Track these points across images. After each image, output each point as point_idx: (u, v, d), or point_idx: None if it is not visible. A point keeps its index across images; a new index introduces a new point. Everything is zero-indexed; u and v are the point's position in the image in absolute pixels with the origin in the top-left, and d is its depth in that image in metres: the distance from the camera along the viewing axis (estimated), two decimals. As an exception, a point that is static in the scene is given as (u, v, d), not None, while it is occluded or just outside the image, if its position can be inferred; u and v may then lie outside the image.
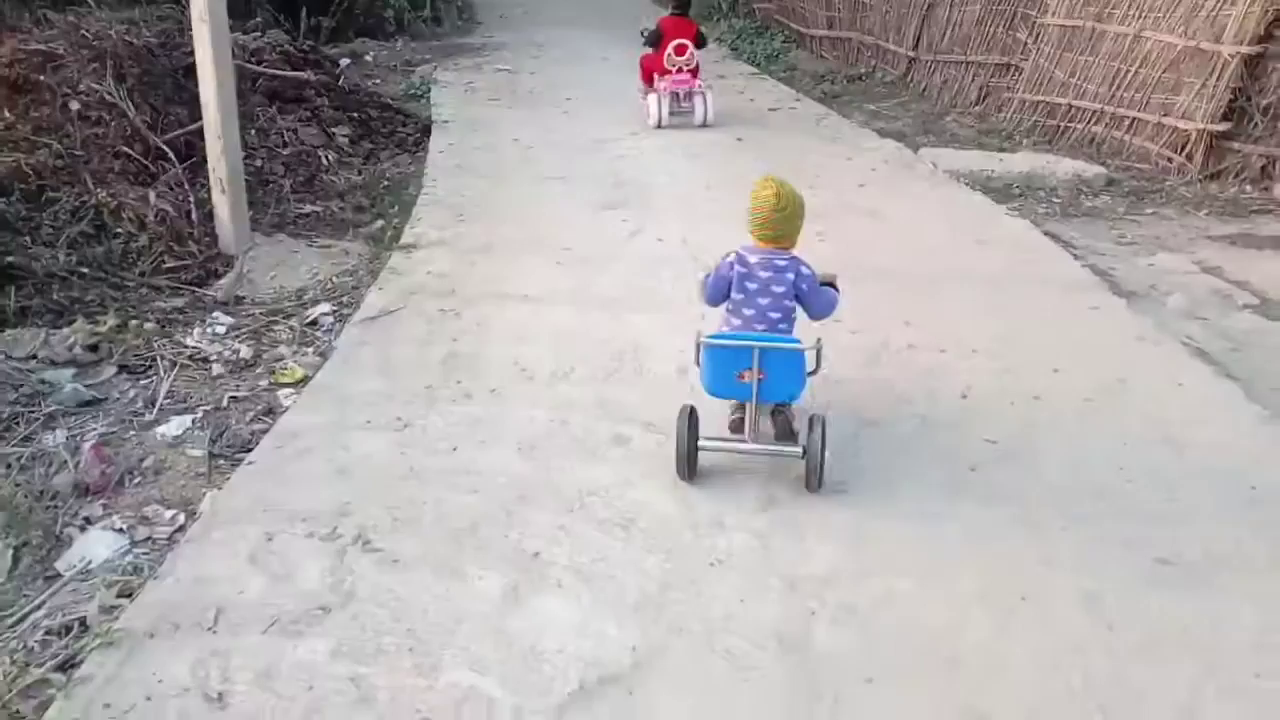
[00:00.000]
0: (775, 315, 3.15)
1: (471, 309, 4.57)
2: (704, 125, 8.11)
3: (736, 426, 3.29)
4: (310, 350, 4.50)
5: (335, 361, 4.10)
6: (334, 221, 6.39)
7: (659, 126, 8.03)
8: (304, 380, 4.13)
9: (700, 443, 3.12)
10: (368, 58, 11.56)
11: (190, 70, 6.99)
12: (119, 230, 5.63)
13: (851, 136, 8.07)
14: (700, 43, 8.27)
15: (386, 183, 6.91)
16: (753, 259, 3.15)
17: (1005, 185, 6.77)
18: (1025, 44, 8.45)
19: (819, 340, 3.08)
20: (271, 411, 3.91)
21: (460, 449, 3.35)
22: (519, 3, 16.53)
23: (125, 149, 6.18)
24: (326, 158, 7.16)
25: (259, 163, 6.87)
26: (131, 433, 3.74)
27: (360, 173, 7.11)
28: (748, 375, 3.03)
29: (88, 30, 6.82)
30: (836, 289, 3.30)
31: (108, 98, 6.37)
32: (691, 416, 3.12)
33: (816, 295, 3.20)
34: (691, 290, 3.69)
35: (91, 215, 5.68)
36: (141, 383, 4.14)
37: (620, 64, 11.25)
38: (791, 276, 3.13)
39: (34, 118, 6.22)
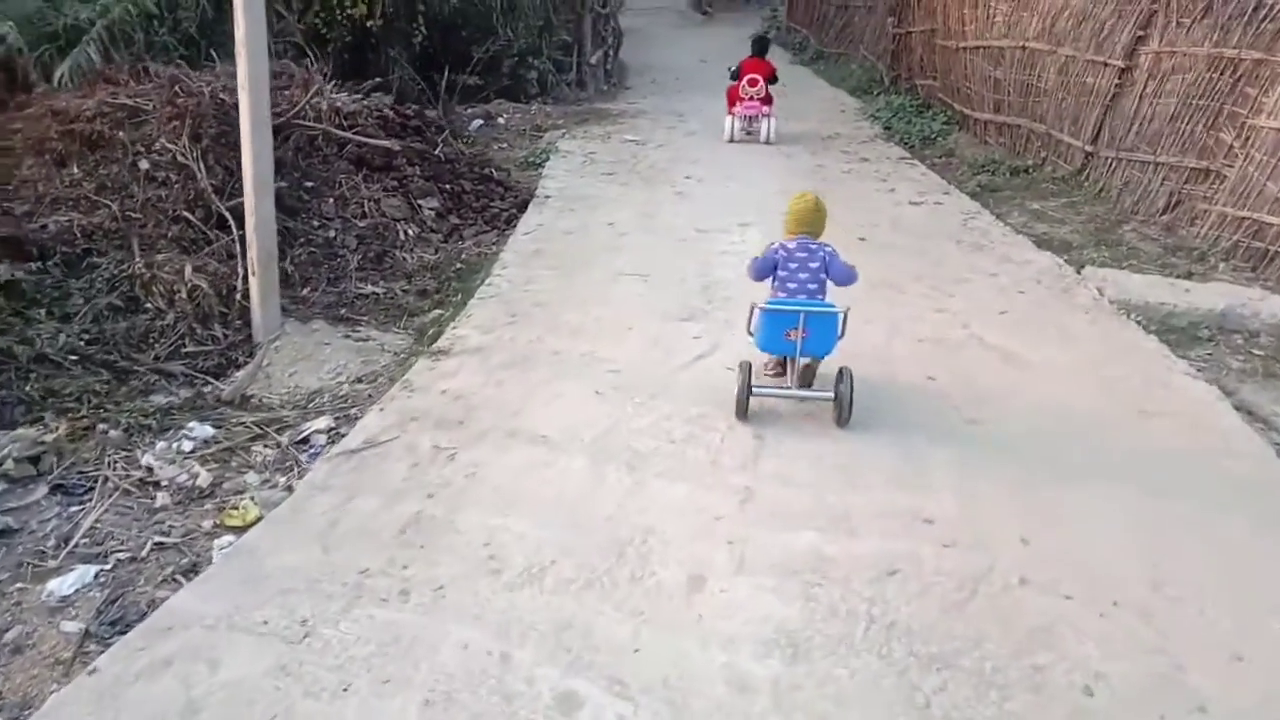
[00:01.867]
0: (813, 286, 4.02)
1: (471, 449, 3.71)
2: (766, 142, 9.92)
3: (777, 376, 4.25)
4: (283, 480, 3.75)
5: (280, 513, 3.31)
6: (391, 306, 5.73)
7: (730, 141, 10.02)
8: (256, 522, 3.38)
9: (754, 390, 3.97)
10: (500, 120, 11.15)
11: (276, 131, 6.59)
12: (149, 305, 5.16)
13: (1002, 243, 6.81)
14: (772, 79, 10.16)
15: (460, 265, 6.22)
16: (791, 245, 4.08)
17: (1190, 325, 5.36)
18: (1230, 148, 6.96)
19: (847, 308, 3.93)
20: (195, 568, 3.15)
21: (352, 689, 2.44)
22: (677, 69, 15.98)
23: (186, 213, 5.74)
24: (405, 232, 6.57)
25: (332, 233, 6.34)
26: (17, 586, 3.06)
27: (438, 251, 6.47)
28: (794, 334, 3.88)
29: (184, 85, 6.52)
30: (853, 269, 4.12)
31: (180, 158, 5.99)
32: (748, 370, 3.99)
33: (839, 268, 4.06)
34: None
35: (126, 286, 5.25)
36: (71, 509, 3.49)
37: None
38: (822, 255, 4.06)
39: (101, 175, 5.91)
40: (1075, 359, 4.74)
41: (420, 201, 6.84)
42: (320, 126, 6.58)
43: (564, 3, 12.43)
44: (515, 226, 6.91)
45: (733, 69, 10.30)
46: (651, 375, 4.40)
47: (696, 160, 9.27)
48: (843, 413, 3.91)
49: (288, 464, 3.90)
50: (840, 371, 3.94)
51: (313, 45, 10.40)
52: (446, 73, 11.22)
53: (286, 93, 6.85)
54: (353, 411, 4.27)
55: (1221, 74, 7.21)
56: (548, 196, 7.67)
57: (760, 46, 10.69)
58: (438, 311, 5.55)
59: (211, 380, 4.80)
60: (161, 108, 6.19)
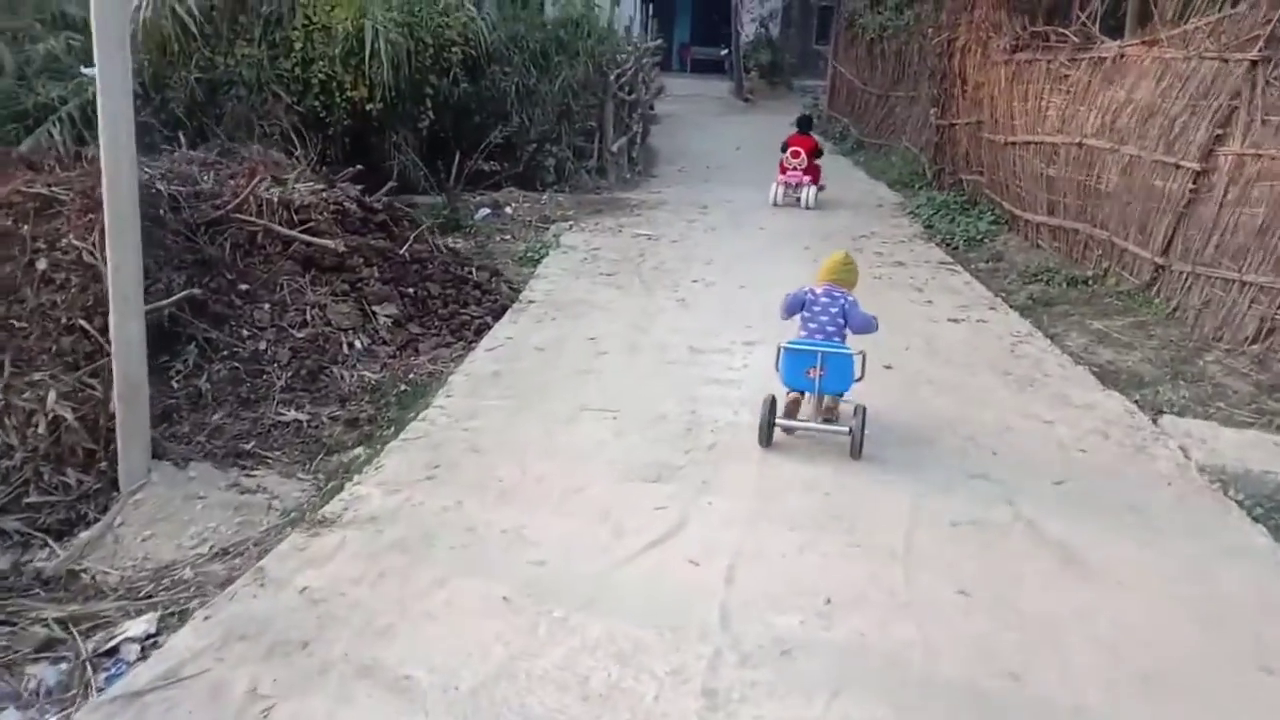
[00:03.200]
0: (831, 329, 4.42)
1: (301, 697, 2.60)
2: (807, 208, 10.87)
3: (791, 410, 4.43)
4: (50, 723, 2.69)
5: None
6: (310, 440, 4.73)
7: (774, 205, 10.98)
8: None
9: (777, 421, 4.34)
10: (508, 209, 10.31)
11: (211, 226, 5.73)
12: (-4, 441, 4.21)
13: (1059, 377, 5.61)
14: (816, 154, 11.15)
15: (405, 387, 5.20)
16: (819, 290, 4.49)
17: (1308, 506, 4.11)
18: (1337, 269, 5.76)
19: (863, 352, 4.33)
20: None
21: None
22: (709, 157, 15.18)
23: (83, 322, 4.83)
24: (351, 344, 5.60)
25: (262, 345, 5.39)
26: None
27: (384, 368, 5.47)
28: (813, 372, 4.29)
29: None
30: (873, 318, 4.51)
31: (87, 256, 5.11)
32: (773, 403, 4.33)
33: (857, 317, 4.43)
34: None
35: (-25, 416, 4.32)
36: None
37: (777, 233, 9.38)
38: (842, 302, 4.44)
39: (-11, 276, 5.09)
40: (1160, 564, 3.51)
41: (375, 308, 5.88)
42: (260, 222, 5.70)
43: (585, 89, 11.67)
44: (490, 335, 5.91)
45: (783, 143, 11.35)
46: (587, 570, 3.28)
47: (711, 260, 8.26)
48: (855, 447, 4.22)
49: (71, 694, 2.83)
50: (855, 409, 4.30)
51: (309, 130, 9.75)
52: (457, 159, 10.50)
53: (232, 182, 6.00)
54: (192, 605, 3.21)
55: (1322, 182, 6.04)
56: (531, 301, 6.68)
57: (804, 124, 11.70)
58: (360, 450, 4.52)
59: (51, 542, 3.81)
60: (76, 199, 5.35)
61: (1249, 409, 5.41)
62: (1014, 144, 9.45)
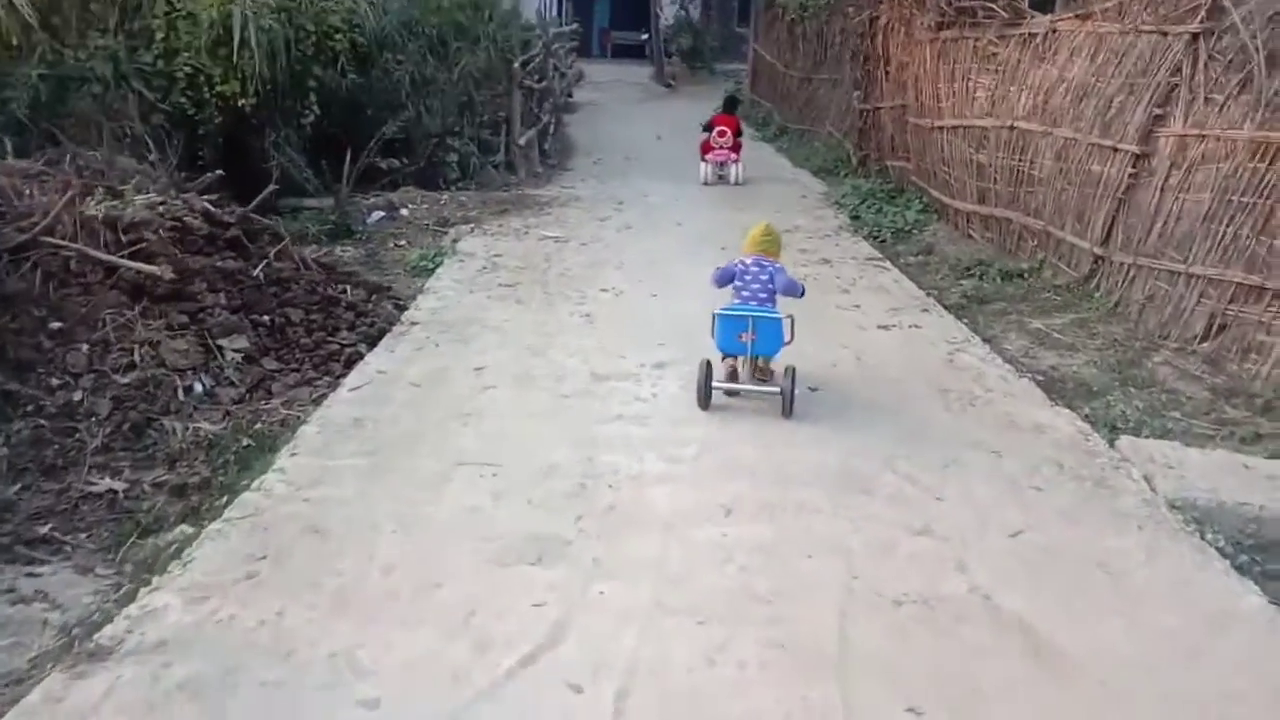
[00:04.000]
0: (763, 295, 4.63)
1: None
2: (736, 184, 11.11)
3: (730, 374, 4.67)
4: None
5: None
6: (124, 516, 3.86)
7: (705, 184, 11.10)
8: None
9: (713, 384, 4.51)
10: (404, 211, 9.40)
11: (17, 252, 4.77)
12: None
13: (1002, 393, 5.00)
14: (739, 132, 11.40)
15: (249, 441, 4.34)
16: (748, 261, 4.72)
17: (1293, 546, 3.54)
18: (1294, 260, 5.25)
19: (791, 317, 4.58)
20: None
21: None
22: (628, 146, 14.40)
23: None
24: (189, 388, 4.72)
25: (77, 395, 4.49)
26: None
27: (226, 416, 4.59)
28: (745, 336, 4.51)
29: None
30: (801, 283, 4.81)
31: None
32: (708, 367, 4.51)
33: (784, 281, 4.65)
34: None
35: None
36: None
37: (694, 232, 8.66)
38: (771, 270, 4.67)
39: None
40: (1144, 649, 2.87)
41: (221, 342, 4.99)
42: (73, 246, 4.76)
43: (488, 78, 10.78)
44: (359, 368, 5.07)
45: (704, 123, 11.57)
46: (432, 712, 2.51)
47: (622, 264, 7.51)
48: (786, 405, 4.46)
49: None
50: (785, 369, 4.52)
51: (177, 130, 8.71)
52: (349, 157, 9.53)
53: (46, 199, 5.05)
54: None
55: (1271, 163, 5.52)
56: (414, 323, 5.84)
57: (730, 104, 12.21)
58: (182, 529, 3.67)
59: None
60: None
61: (1207, 418, 4.88)
62: (941, 128, 8.87)
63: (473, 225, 8.88)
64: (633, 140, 15.27)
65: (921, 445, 4.25)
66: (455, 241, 8.31)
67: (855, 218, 9.67)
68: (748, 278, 4.67)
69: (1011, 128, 7.74)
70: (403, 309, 6.30)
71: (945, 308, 6.69)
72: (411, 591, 3.04)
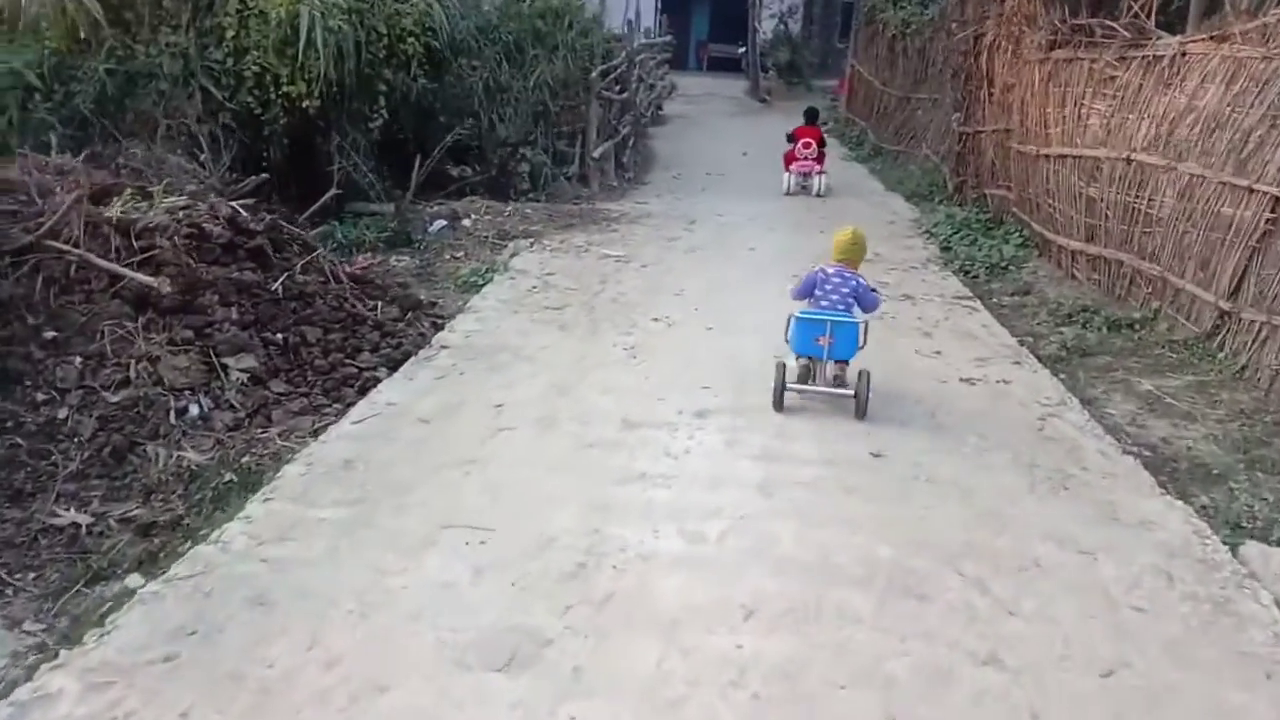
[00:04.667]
0: (841, 308, 4.67)
1: None
2: (819, 195, 11.07)
3: (804, 376, 4.68)
4: None
5: None
6: (80, 557, 3.47)
7: (787, 193, 11.16)
8: None
9: (789, 386, 4.61)
10: (466, 221, 9.02)
11: (20, 254, 4.47)
12: None
13: (1100, 473, 4.22)
14: (823, 143, 11.39)
15: (232, 477, 3.91)
16: (830, 270, 4.73)
17: None
18: None
19: (866, 321, 4.65)
20: None
21: None
22: (712, 162, 13.85)
23: None
24: (183, 410, 4.33)
25: (62, 413, 4.15)
26: None
27: (216, 445, 4.19)
28: (823, 340, 4.58)
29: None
30: (879, 294, 4.91)
31: None
32: (784, 369, 4.61)
33: (867, 297, 4.74)
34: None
35: None
36: None
37: (766, 257, 8.02)
38: (853, 283, 4.70)
39: None
40: None
41: (228, 360, 4.61)
42: (75, 251, 4.44)
43: (565, 87, 10.35)
44: (369, 402, 4.62)
45: (789, 134, 11.65)
46: None
47: (681, 291, 6.92)
48: (860, 408, 4.55)
49: None
50: (860, 373, 4.59)
51: (245, 130, 8.52)
52: (417, 164, 9.24)
53: (56, 198, 4.76)
54: None
55: None
56: (444, 347, 5.38)
57: (811, 115, 11.96)
58: (132, 579, 3.25)
59: None
60: None
61: (1359, 522, 4.00)
62: (1047, 156, 8.02)
63: (533, 240, 8.43)
64: (718, 156, 14.68)
65: (998, 538, 3.53)
66: (512, 256, 7.87)
67: (946, 249, 8.87)
68: (828, 288, 4.72)
69: (1128, 160, 6.87)
70: (440, 328, 5.86)
71: (1040, 359, 5.89)
72: (349, 696, 2.51)
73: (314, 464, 3.82)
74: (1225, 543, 3.65)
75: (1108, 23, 7.22)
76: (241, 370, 4.59)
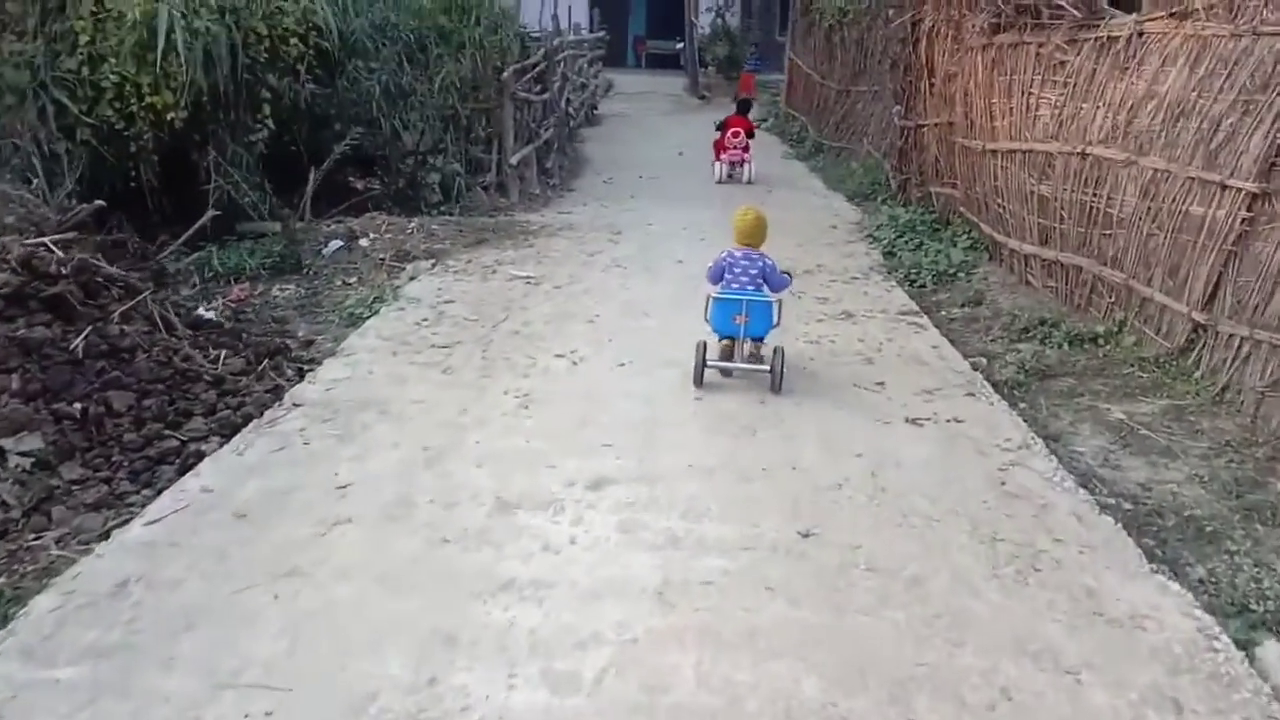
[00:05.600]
0: (751, 287, 4.87)
1: None
2: (749, 182, 11.37)
3: (726, 354, 4.87)
4: None
5: None
6: None
7: (719, 182, 11.41)
8: None
9: (709, 363, 4.78)
10: (364, 241, 8.07)
11: None
12: None
13: (1077, 544, 3.44)
14: (751, 133, 11.63)
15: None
16: (738, 253, 4.91)
17: None
18: None
19: (779, 300, 4.87)
20: None
21: None
22: (645, 164, 13.05)
23: None
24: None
25: None
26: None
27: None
28: (739, 318, 4.77)
29: None
30: (791, 276, 5.03)
31: None
32: (704, 346, 4.78)
33: (776, 277, 4.91)
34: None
35: None
36: None
37: (694, 273, 7.16)
38: (760, 264, 4.89)
39: None
40: None
41: (4, 443, 3.66)
42: None
43: (474, 89, 9.43)
44: (181, 484, 3.70)
45: (718, 123, 11.85)
46: None
47: (596, 317, 6.08)
48: (776, 382, 4.74)
49: None
50: (775, 349, 4.82)
51: (109, 147, 7.51)
52: (312, 178, 8.30)
53: None
54: None
55: None
56: (296, 405, 4.47)
57: (743, 106, 12.40)
58: None
59: None
60: None
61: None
62: (994, 151, 7.29)
63: (435, 260, 7.53)
64: (652, 157, 13.88)
65: (957, 653, 2.73)
66: (408, 281, 6.96)
67: (890, 254, 8.13)
68: (737, 270, 4.89)
69: (1083, 154, 6.15)
70: (303, 377, 4.94)
71: (997, 386, 5.14)
72: None
73: (75, 591, 2.91)
74: (1237, 642, 2.88)
75: (1056, 1, 6.49)
76: (22, 454, 3.65)
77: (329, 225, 8.36)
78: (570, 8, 17.52)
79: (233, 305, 6.64)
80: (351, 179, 9.88)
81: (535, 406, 4.55)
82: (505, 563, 3.14)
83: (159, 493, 3.67)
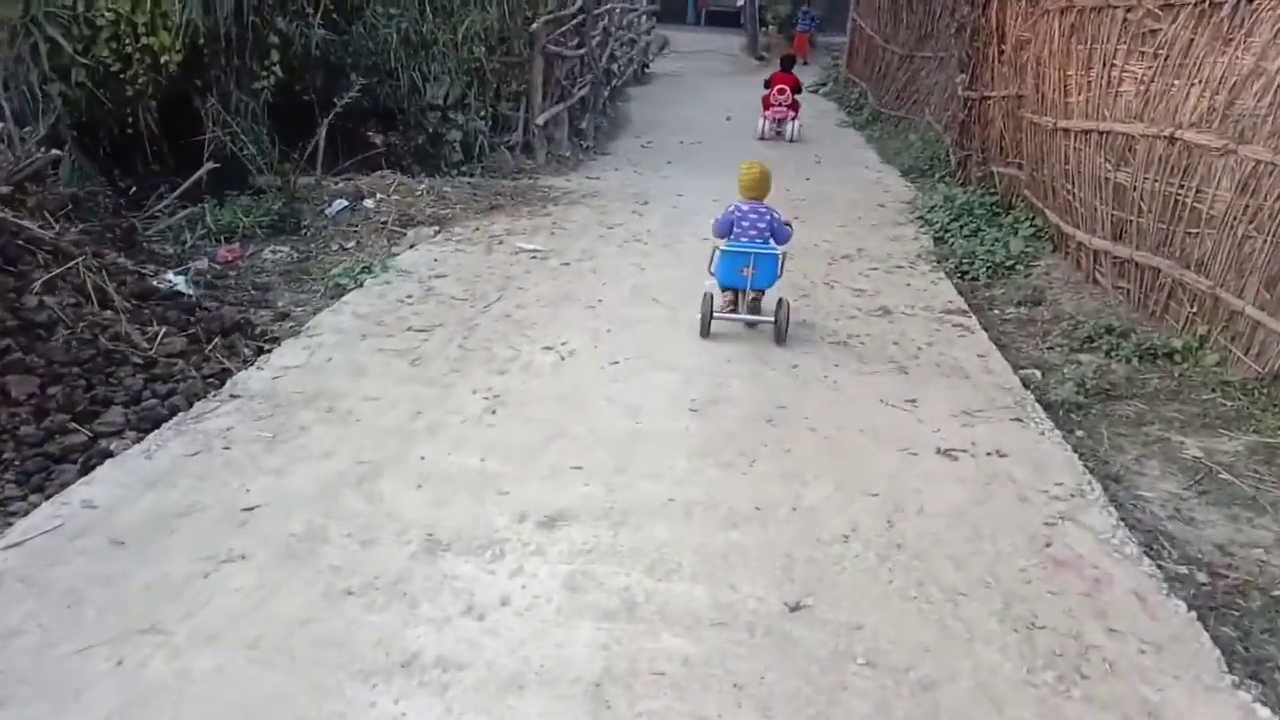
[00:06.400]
0: (760, 240, 4.90)
1: None
2: (792, 140, 11.42)
3: (729, 307, 4.97)
4: None
5: None
6: None
7: (760, 139, 11.50)
8: None
9: (715, 314, 4.84)
10: (368, 202, 7.48)
11: None
12: None
13: (1138, 646, 2.71)
14: (797, 90, 11.71)
15: None
16: (745, 207, 4.96)
17: None
18: None
19: (784, 252, 4.87)
20: None
21: None
22: (691, 126, 12.27)
23: None
24: None
25: None
26: None
27: None
28: (746, 270, 4.82)
29: None
30: (790, 227, 5.02)
31: None
32: (711, 298, 4.83)
33: (781, 231, 4.94)
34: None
35: None
36: None
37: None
38: (768, 218, 4.93)
39: None
40: None
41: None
42: None
43: (501, 41, 8.71)
44: (62, 496, 3.15)
45: (766, 80, 11.78)
46: None
47: (598, 302, 5.41)
48: (780, 334, 4.78)
49: None
50: (780, 301, 4.81)
51: (107, 89, 6.99)
52: (323, 131, 7.73)
53: None
54: None
55: None
56: (233, 396, 3.89)
57: (787, 62, 12.23)
58: None
59: None
60: None
61: None
62: (1067, 130, 6.38)
63: (440, 227, 6.91)
64: (698, 120, 13.05)
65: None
66: (410, 248, 6.35)
67: (941, 240, 7.29)
68: (745, 224, 4.93)
69: (1171, 139, 5.25)
70: (255, 358, 4.38)
71: (1050, 408, 4.36)
72: None
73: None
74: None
75: (1150, -41, 5.54)
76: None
77: (337, 183, 7.79)
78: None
79: (218, 267, 6.12)
80: (370, 134, 9.27)
81: (503, 411, 3.92)
82: (414, 629, 2.53)
83: (49, 498, 3.12)
